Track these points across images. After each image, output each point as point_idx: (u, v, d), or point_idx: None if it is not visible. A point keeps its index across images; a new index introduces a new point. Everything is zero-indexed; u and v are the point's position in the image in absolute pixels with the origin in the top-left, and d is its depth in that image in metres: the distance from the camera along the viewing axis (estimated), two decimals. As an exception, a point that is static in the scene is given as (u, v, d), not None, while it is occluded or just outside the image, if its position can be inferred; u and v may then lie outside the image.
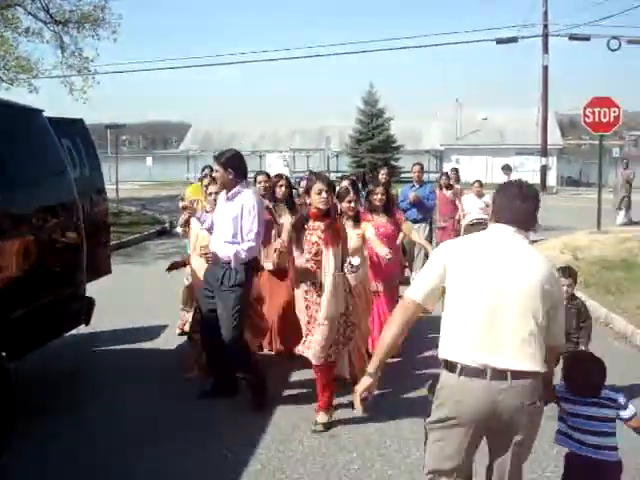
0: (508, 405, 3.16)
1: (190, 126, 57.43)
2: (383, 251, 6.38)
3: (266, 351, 7.17)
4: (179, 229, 6.79)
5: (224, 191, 6.04)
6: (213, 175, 7.17)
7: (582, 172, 44.78)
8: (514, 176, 11.29)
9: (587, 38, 32.32)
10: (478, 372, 3.16)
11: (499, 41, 33.48)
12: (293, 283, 5.83)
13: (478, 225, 11.13)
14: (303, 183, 8.34)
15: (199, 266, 6.53)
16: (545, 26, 34.60)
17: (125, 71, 54.55)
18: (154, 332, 8.20)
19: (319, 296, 5.43)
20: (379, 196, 7.46)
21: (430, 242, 9.87)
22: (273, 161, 45.17)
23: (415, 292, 3.35)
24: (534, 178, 34.13)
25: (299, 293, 5.62)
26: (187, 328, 6.89)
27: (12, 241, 5.34)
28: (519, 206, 3.36)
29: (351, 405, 5.89)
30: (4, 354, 5.20)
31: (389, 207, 7.61)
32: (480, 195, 12.41)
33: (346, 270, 5.65)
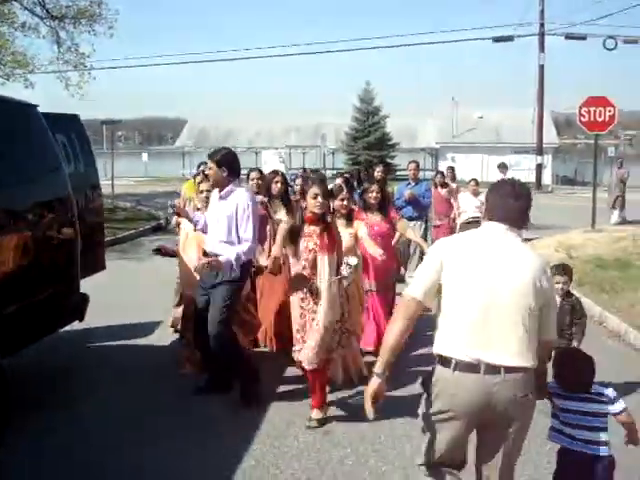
0: (501, 397, 3.22)
1: (186, 122, 57.30)
2: (376, 252, 6.38)
3: (262, 348, 7.19)
4: (174, 222, 6.81)
5: (216, 189, 6.04)
6: (206, 172, 7.18)
7: (577, 171, 44.86)
8: (510, 174, 11.33)
9: (583, 37, 32.39)
10: (472, 367, 3.22)
11: (496, 39, 33.55)
12: (289, 289, 5.82)
13: (473, 223, 11.12)
14: (298, 181, 8.36)
15: (187, 263, 6.55)
16: (541, 25, 34.66)
17: (121, 67, 54.28)
18: (149, 328, 8.21)
19: (315, 304, 5.44)
20: (374, 194, 7.45)
21: (425, 240, 9.88)
22: (269, 158, 45.05)
23: (415, 289, 3.37)
24: (529, 177, 34.21)
25: (295, 300, 5.61)
26: (180, 326, 6.91)
27: (5, 237, 5.33)
28: (512, 204, 3.40)
29: (344, 402, 5.99)
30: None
31: (384, 205, 7.61)
32: (476, 194, 12.42)
33: (343, 271, 5.66)
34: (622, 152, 41.50)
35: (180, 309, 6.93)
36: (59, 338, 6.89)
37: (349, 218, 6.60)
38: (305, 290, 5.48)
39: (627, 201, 19.85)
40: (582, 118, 16.76)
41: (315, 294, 5.44)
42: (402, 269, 10.72)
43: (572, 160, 50.51)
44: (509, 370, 3.21)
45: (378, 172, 10.50)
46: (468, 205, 12.36)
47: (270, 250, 6.93)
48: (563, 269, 5.74)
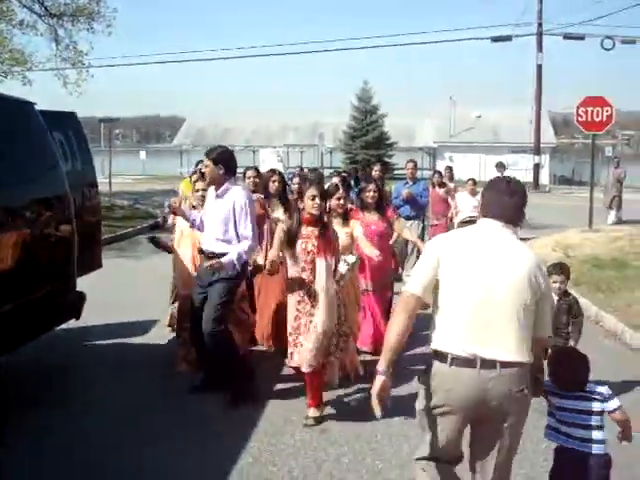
0: (497, 392, 3.26)
1: (184, 120, 57.30)
2: (372, 252, 6.38)
3: (260, 346, 7.21)
4: (170, 221, 6.79)
5: (212, 187, 6.05)
6: (202, 171, 7.18)
7: (575, 171, 44.90)
8: (507, 174, 11.34)
9: (581, 37, 32.45)
10: (468, 362, 3.26)
11: (494, 39, 33.59)
12: (286, 290, 5.82)
13: (471, 223, 11.11)
14: (295, 180, 8.36)
15: (182, 261, 6.56)
16: (539, 25, 34.67)
17: (119, 64, 54.23)
18: (146, 326, 8.21)
19: (313, 307, 5.45)
20: (371, 193, 7.46)
21: (422, 240, 9.89)
22: (267, 156, 45.04)
23: (414, 286, 3.40)
24: (527, 176, 34.24)
25: (291, 302, 5.60)
26: (175, 325, 6.92)
27: (2, 235, 5.32)
28: (507, 201, 3.45)
29: (341, 401, 6.00)
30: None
31: (381, 204, 7.62)
32: (474, 193, 12.43)
33: (340, 269, 5.65)
34: (620, 152, 41.50)
35: (176, 307, 6.93)
36: (56, 336, 6.91)
37: (345, 217, 6.60)
38: (302, 292, 5.48)
39: (624, 201, 19.89)
40: (579, 118, 16.79)
41: (313, 297, 5.45)
42: (400, 269, 10.74)
43: (570, 160, 50.58)
44: (505, 365, 3.25)
45: (375, 171, 10.50)
46: (466, 205, 12.38)
47: (267, 249, 6.94)
48: (560, 268, 5.77)
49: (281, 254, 5.64)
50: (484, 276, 3.29)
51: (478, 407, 3.31)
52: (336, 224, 6.19)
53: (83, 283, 6.74)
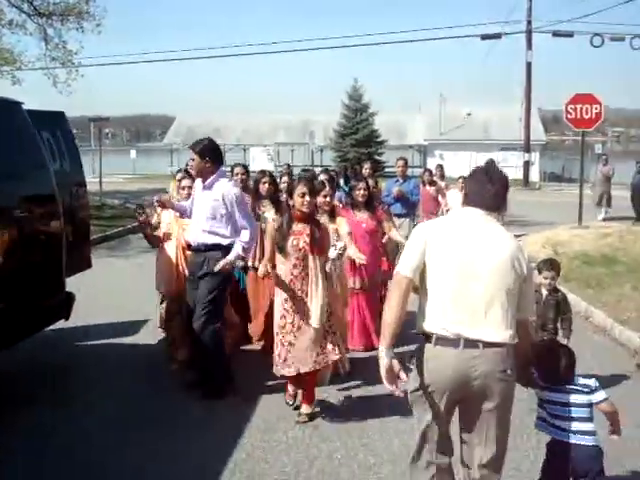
0: (480, 372, 3.34)
1: (174, 119, 57.14)
2: (357, 255, 6.39)
3: (255, 345, 7.25)
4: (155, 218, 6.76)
5: (199, 180, 6.07)
6: (188, 168, 7.20)
7: (565, 168, 44.98)
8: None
9: (570, 35, 32.53)
10: (452, 342, 3.36)
11: (484, 37, 33.67)
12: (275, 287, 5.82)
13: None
14: (284, 178, 8.36)
15: (166, 259, 6.58)
16: (529, 22, 34.76)
17: (109, 64, 54.09)
18: (136, 326, 8.22)
19: (303, 304, 5.44)
20: (362, 191, 7.48)
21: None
22: (257, 155, 45.10)
23: (404, 268, 3.48)
24: (517, 173, 34.37)
25: (278, 301, 5.60)
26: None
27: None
28: (488, 190, 3.54)
29: (333, 397, 6.04)
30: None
31: (371, 203, 7.64)
32: (464, 190, 12.45)
33: (330, 254, 5.67)
34: (609, 149, 41.70)
35: (164, 308, 6.92)
36: (46, 337, 6.90)
37: (332, 214, 6.62)
38: (290, 291, 5.48)
39: (613, 197, 19.98)
40: (569, 115, 16.86)
41: (305, 294, 5.46)
42: (392, 269, 10.72)
43: (560, 157, 50.66)
44: (487, 345, 3.34)
45: (366, 169, 10.55)
46: (456, 202, 12.40)
47: (257, 249, 6.94)
48: (551, 264, 5.83)
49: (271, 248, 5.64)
50: (468, 260, 3.39)
51: (462, 387, 3.39)
52: (322, 221, 6.21)
53: (74, 282, 6.74)
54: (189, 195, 6.50)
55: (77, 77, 24.14)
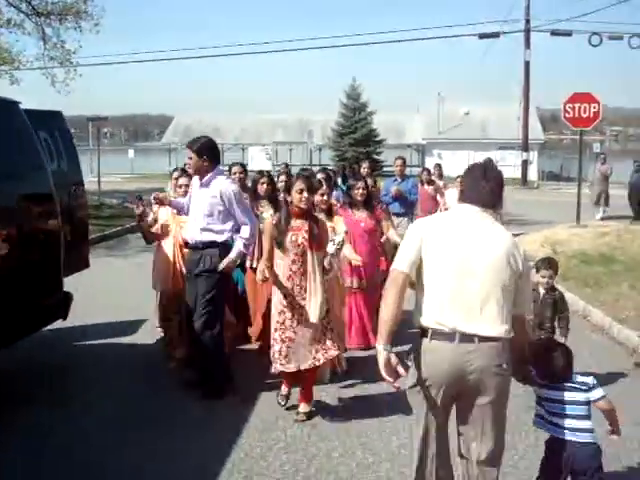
0: (476, 366, 3.36)
1: (172, 119, 57.11)
2: (353, 256, 6.39)
3: (252, 345, 7.24)
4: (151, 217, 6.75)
5: (196, 178, 6.08)
6: (183, 168, 7.20)
7: (563, 167, 45.05)
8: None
9: (569, 34, 32.55)
10: (448, 336, 3.39)
11: (482, 36, 33.68)
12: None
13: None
14: (282, 177, 8.36)
15: (163, 257, 6.58)
16: (527, 21, 34.78)
17: (100, 64, 53.90)
18: (136, 325, 8.21)
19: (302, 299, 5.44)
20: (360, 191, 7.48)
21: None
22: (256, 154, 45.14)
23: (401, 264, 3.51)
24: (515, 173, 34.40)
25: (276, 299, 5.59)
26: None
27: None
28: (483, 186, 3.57)
29: (331, 397, 6.04)
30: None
31: (370, 202, 7.64)
32: (462, 190, 12.44)
33: (329, 249, 5.65)
34: (608, 148, 41.72)
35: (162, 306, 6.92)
36: (44, 337, 6.90)
37: (329, 213, 6.62)
38: (289, 287, 5.48)
39: (611, 196, 20.00)
40: (567, 114, 16.89)
41: (303, 289, 5.46)
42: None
43: (558, 156, 50.73)
44: (483, 339, 3.36)
45: (364, 168, 10.55)
46: (455, 201, 12.39)
47: (255, 249, 6.94)
48: (549, 263, 5.84)
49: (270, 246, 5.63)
50: (464, 256, 3.42)
51: (458, 381, 3.42)
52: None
53: (73, 281, 6.74)
54: (186, 192, 6.51)
55: (75, 77, 24.13)
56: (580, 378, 3.77)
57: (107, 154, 42.19)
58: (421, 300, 3.51)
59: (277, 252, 5.57)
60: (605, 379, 5.77)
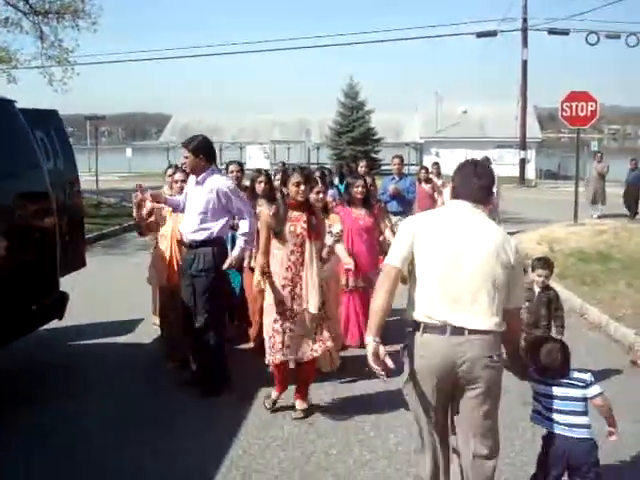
0: (467, 357, 3.41)
1: (170, 118, 57.08)
2: (346, 259, 6.40)
3: (249, 344, 7.26)
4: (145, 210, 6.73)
5: (192, 176, 6.09)
6: (178, 165, 7.19)
7: (561, 165, 45.03)
8: (494, 169, 11.40)
9: (566, 32, 32.53)
10: (439, 329, 3.43)
11: (479, 35, 33.65)
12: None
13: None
14: (278, 176, 8.36)
15: (161, 254, 6.60)
16: (524, 20, 34.76)
17: (96, 62, 53.83)
18: (132, 325, 8.22)
19: (301, 289, 5.44)
20: (360, 189, 7.48)
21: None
22: (254, 153, 45.13)
23: (393, 259, 3.56)
24: (513, 171, 34.40)
25: (269, 293, 5.59)
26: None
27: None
28: (474, 183, 3.63)
29: (329, 394, 6.06)
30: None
31: (369, 200, 7.66)
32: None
33: (327, 241, 5.64)
34: (606, 146, 41.75)
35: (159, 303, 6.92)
36: (45, 336, 6.92)
37: (325, 211, 6.62)
38: (287, 279, 5.48)
39: (609, 194, 20.03)
40: (564, 113, 16.91)
41: (301, 280, 5.46)
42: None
43: (555, 154, 50.71)
44: (473, 332, 3.40)
45: (361, 167, 10.56)
46: (451, 199, 12.42)
47: (253, 249, 6.94)
48: (545, 262, 5.86)
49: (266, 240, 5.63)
50: (455, 251, 3.46)
51: (450, 374, 3.45)
52: None
53: (71, 280, 6.74)
54: (182, 189, 6.52)
55: (73, 75, 24.13)
56: (577, 374, 3.80)
57: (105, 153, 42.12)
58: (413, 295, 3.56)
59: (274, 242, 5.54)
60: (601, 376, 5.79)
